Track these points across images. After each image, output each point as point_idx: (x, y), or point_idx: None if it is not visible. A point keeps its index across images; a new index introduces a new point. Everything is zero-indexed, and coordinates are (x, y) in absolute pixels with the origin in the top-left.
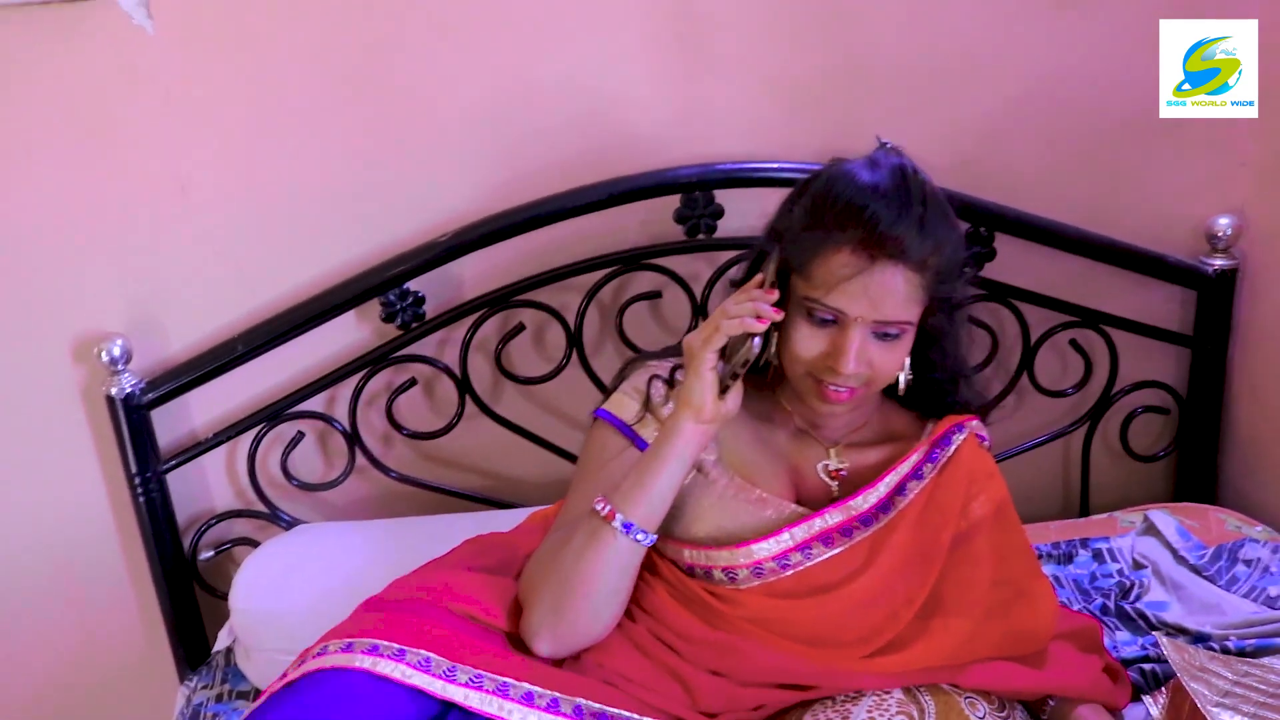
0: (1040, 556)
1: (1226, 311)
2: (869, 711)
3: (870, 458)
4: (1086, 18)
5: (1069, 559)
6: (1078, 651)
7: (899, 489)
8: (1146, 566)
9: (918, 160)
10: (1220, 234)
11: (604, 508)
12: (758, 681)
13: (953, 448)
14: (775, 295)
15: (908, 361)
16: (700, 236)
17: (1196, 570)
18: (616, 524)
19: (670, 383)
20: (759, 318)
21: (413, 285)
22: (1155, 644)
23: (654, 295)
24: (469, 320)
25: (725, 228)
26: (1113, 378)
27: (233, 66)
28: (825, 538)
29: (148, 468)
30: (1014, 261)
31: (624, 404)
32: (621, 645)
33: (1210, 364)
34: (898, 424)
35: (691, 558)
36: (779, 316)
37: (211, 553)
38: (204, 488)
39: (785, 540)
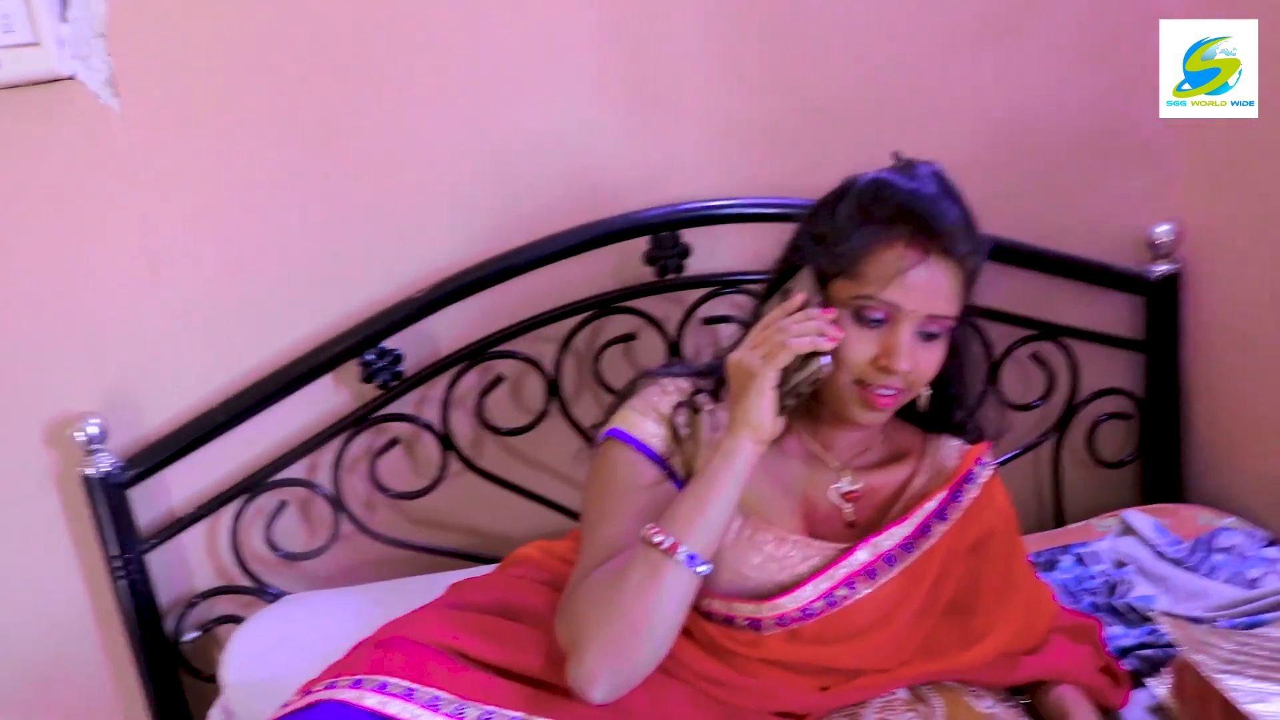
0: None
1: (1174, 315)
2: (878, 713)
3: (881, 478)
4: (1020, 48)
5: (1052, 566)
6: (1070, 642)
7: (923, 529)
8: (1129, 565)
9: None
10: (1160, 241)
11: (664, 540)
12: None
13: (977, 488)
14: (834, 314)
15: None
16: (670, 276)
17: (1178, 563)
18: (680, 556)
19: (695, 409)
20: (826, 339)
21: (390, 344)
22: (1151, 632)
23: (629, 338)
24: (447, 375)
25: (693, 267)
26: (1074, 388)
27: (200, 140)
28: (849, 582)
29: (128, 548)
30: None
31: (645, 427)
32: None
33: (1165, 368)
34: (900, 439)
35: (708, 604)
36: (841, 335)
37: (196, 633)
38: (183, 567)
39: (809, 592)
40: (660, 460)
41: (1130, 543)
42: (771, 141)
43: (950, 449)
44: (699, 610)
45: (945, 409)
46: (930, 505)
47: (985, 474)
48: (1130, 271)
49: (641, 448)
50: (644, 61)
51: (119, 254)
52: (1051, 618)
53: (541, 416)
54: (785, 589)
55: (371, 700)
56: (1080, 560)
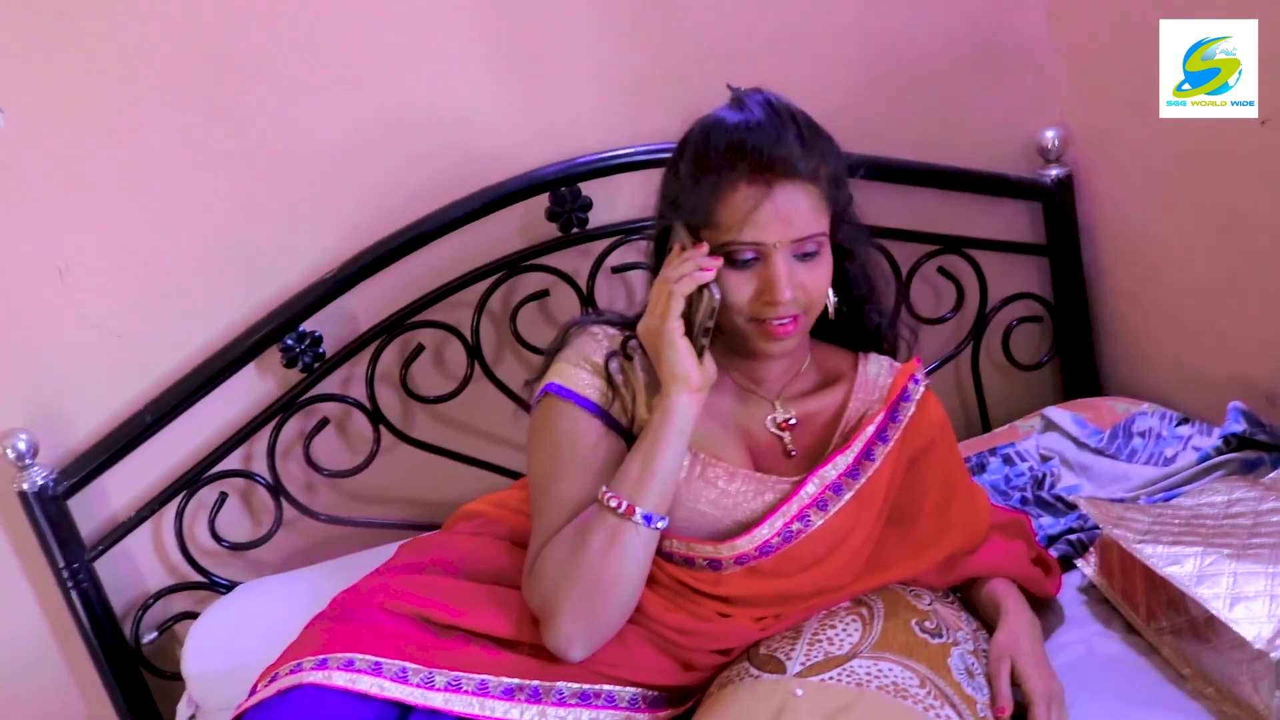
0: None
1: (1071, 217)
2: (820, 620)
3: (815, 404)
4: None
5: (981, 469)
6: (1004, 539)
7: (866, 453)
8: (1053, 458)
9: None
10: (1049, 146)
11: (620, 504)
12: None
13: (913, 405)
14: (706, 247)
15: (830, 291)
16: (574, 231)
17: (1099, 452)
18: (638, 518)
19: (628, 356)
20: (704, 271)
21: (308, 326)
22: (1078, 519)
23: (542, 295)
24: (369, 350)
25: (596, 219)
26: (984, 296)
27: (94, 144)
28: (802, 516)
29: (74, 559)
30: (871, 203)
31: (580, 378)
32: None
33: (1069, 269)
34: (831, 362)
35: (668, 545)
36: (719, 262)
37: (155, 634)
38: (134, 569)
39: (765, 531)
40: (600, 411)
41: (1053, 438)
42: (661, 88)
43: (881, 368)
44: (660, 552)
45: (859, 316)
46: (870, 429)
47: (919, 390)
48: (1024, 179)
49: (581, 401)
50: (525, 22)
51: (25, 265)
52: (988, 518)
53: (466, 381)
54: (744, 528)
55: (340, 679)
56: (1007, 460)
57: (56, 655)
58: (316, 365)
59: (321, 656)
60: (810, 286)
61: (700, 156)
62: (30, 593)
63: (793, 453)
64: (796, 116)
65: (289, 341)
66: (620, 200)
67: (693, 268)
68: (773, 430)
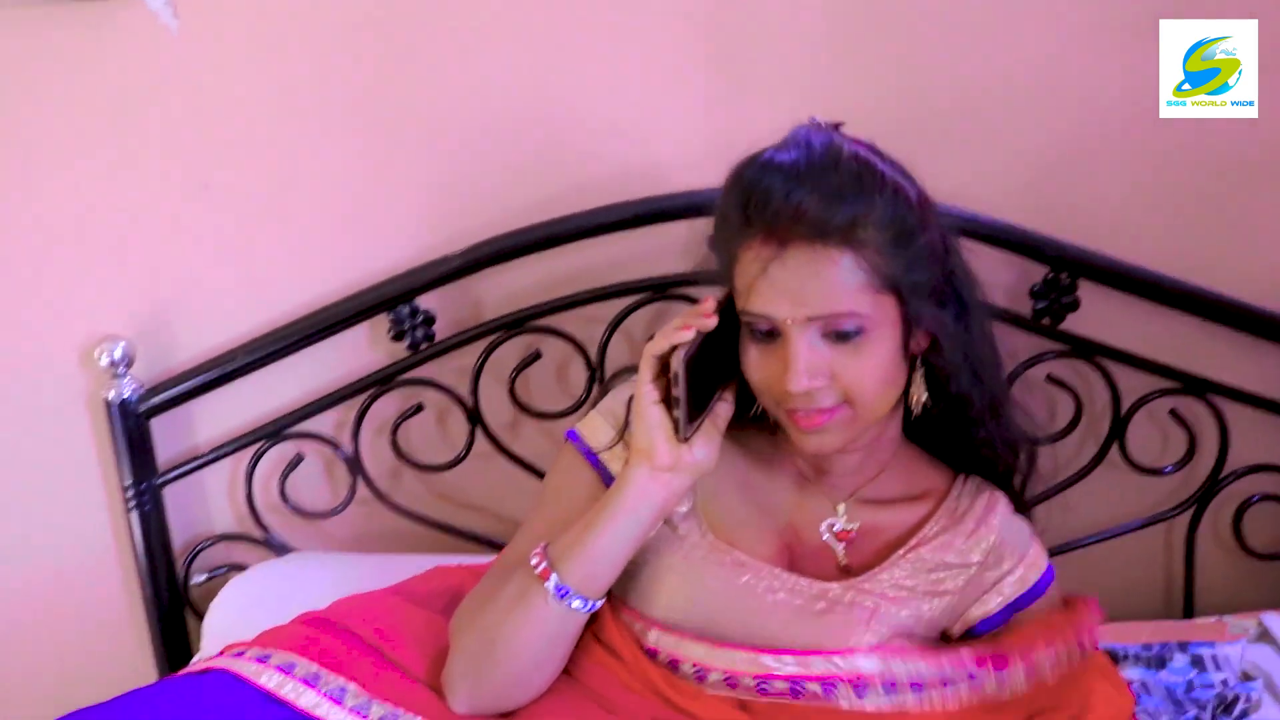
0: (1125, 658)
1: None
2: None
3: (887, 519)
4: None
5: (1161, 663)
6: None
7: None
8: (1258, 679)
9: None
10: None
11: (539, 564)
12: None
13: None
14: (711, 303)
15: (921, 378)
16: None
17: None
18: (549, 585)
19: None
20: (683, 330)
21: (424, 303)
22: None
23: None
24: (482, 344)
25: None
26: (1222, 457)
27: (255, 69)
28: (828, 682)
29: (142, 479)
30: (1101, 315)
31: (596, 426)
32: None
33: None
34: (923, 478)
35: (657, 640)
36: (710, 323)
37: (204, 576)
38: (204, 507)
39: (770, 662)
40: (601, 466)
41: (1265, 653)
42: (863, 127)
43: (980, 501)
44: (644, 650)
45: (960, 423)
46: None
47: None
48: None
49: (586, 452)
50: (724, 29)
51: (169, 176)
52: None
53: (581, 403)
54: (742, 641)
55: (269, 679)
56: (1197, 663)
57: (116, 573)
58: (424, 345)
59: (267, 651)
60: (846, 374)
61: (723, 202)
62: (104, 504)
63: (847, 566)
64: (841, 162)
65: (401, 313)
66: None
67: (677, 325)
68: (827, 537)
